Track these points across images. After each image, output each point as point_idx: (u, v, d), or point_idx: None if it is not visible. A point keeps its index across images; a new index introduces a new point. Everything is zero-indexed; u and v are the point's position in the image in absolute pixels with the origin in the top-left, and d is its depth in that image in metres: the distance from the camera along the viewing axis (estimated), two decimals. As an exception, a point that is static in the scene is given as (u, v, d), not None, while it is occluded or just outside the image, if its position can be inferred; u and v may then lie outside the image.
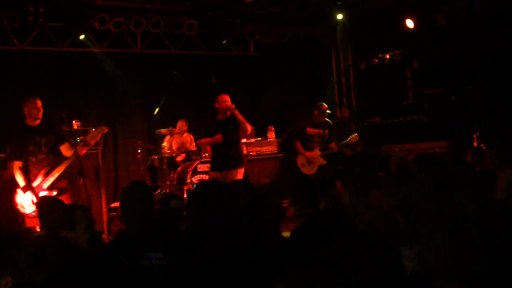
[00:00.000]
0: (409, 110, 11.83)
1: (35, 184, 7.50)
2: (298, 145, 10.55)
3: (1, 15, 10.04)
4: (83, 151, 7.79)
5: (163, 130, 10.54)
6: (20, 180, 7.46)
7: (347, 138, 10.60)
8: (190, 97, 12.08)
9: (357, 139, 10.62)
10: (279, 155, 11.74)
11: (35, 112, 7.55)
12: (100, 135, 7.97)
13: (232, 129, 8.97)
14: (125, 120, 11.75)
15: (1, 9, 9.98)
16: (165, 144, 10.75)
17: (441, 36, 11.48)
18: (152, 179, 10.68)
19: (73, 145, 7.73)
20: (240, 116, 8.89)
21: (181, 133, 11.16)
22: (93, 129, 8.05)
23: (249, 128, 9.14)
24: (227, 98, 9.02)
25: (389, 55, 12.51)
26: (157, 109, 10.45)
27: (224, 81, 10.84)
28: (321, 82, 13.75)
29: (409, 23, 11.86)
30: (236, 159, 8.98)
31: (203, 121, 10.03)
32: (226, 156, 8.89)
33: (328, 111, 10.65)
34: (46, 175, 7.56)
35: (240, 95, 11.92)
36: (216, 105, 9.07)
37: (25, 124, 7.62)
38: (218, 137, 8.94)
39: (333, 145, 10.47)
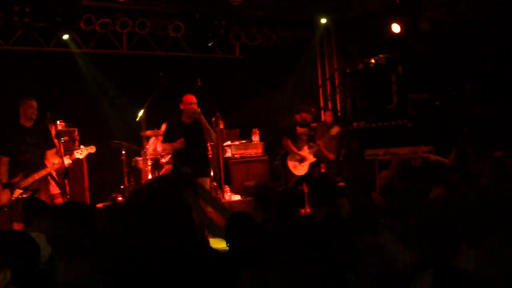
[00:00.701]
0: (394, 115, 11.88)
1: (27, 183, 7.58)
2: (289, 143, 10.60)
3: (-14, 14, 10.03)
4: (69, 163, 7.86)
5: (148, 132, 10.52)
6: (4, 177, 7.53)
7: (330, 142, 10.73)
8: (175, 99, 12.05)
9: (338, 130, 10.72)
10: (264, 157, 11.76)
11: (30, 111, 7.71)
12: (87, 153, 8.15)
13: (197, 134, 8.47)
14: (109, 121, 11.71)
15: (-14, 9, 9.96)
16: (149, 146, 10.73)
17: (426, 41, 11.55)
18: (136, 180, 10.65)
19: (60, 154, 7.75)
20: (205, 123, 8.44)
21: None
22: (82, 146, 8.24)
23: (214, 136, 8.75)
24: (193, 100, 8.48)
25: (374, 60, 12.56)
26: (142, 111, 10.42)
27: (209, 83, 10.84)
28: (307, 86, 13.80)
29: (395, 28, 11.91)
30: (201, 167, 8.46)
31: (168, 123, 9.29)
32: (190, 163, 8.07)
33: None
34: (26, 176, 7.59)
35: (225, 97, 11.97)
36: (181, 106, 8.57)
37: (19, 124, 7.76)
38: (180, 142, 8.35)
39: (319, 142, 10.57)
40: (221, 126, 10.80)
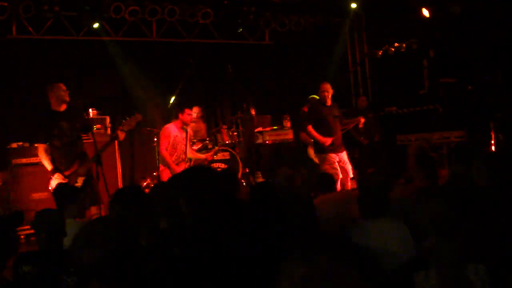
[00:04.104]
0: (425, 100, 11.76)
1: (71, 170, 7.43)
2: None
3: (16, 4, 10.08)
4: (123, 135, 7.69)
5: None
6: (47, 163, 7.41)
7: (364, 127, 10.54)
8: (205, 85, 12.06)
9: (359, 121, 10.35)
10: (295, 143, 11.69)
11: (63, 94, 7.51)
12: (134, 123, 7.80)
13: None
14: (140, 108, 11.71)
15: (17, -1, 10.04)
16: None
17: (457, 25, 11.40)
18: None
19: (93, 134, 7.64)
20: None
21: (196, 121, 11.14)
22: (128, 117, 7.79)
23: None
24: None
25: (405, 44, 12.47)
26: (172, 97, 10.41)
27: (239, 70, 10.81)
28: (337, 72, 13.69)
29: (425, 12, 11.77)
30: None
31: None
32: None
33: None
34: (81, 163, 7.47)
35: (256, 84, 11.94)
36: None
37: (51, 109, 7.59)
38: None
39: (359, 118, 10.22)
40: (253, 112, 10.77)
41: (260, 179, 10.80)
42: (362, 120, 10.11)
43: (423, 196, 3.46)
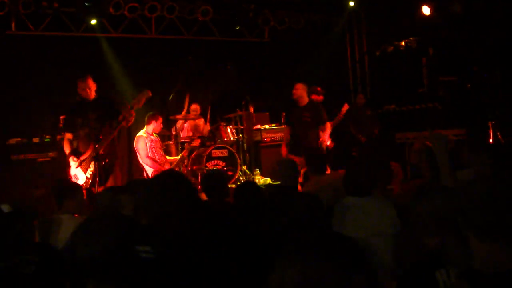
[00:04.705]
0: (424, 98, 11.76)
1: (86, 155, 7.86)
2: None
3: (16, 0, 10.07)
4: (132, 116, 7.99)
5: (178, 116, 10.54)
6: (66, 148, 7.96)
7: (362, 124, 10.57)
8: (204, 82, 12.06)
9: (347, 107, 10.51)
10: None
11: (94, 87, 8.06)
12: (144, 98, 8.11)
13: None
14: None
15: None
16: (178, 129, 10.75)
17: (457, 23, 11.39)
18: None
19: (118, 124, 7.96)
20: None
21: (194, 118, 11.14)
22: (136, 95, 8.21)
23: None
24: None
25: (405, 42, 12.43)
26: (171, 95, 10.41)
27: (238, 67, 10.80)
28: (336, 69, 13.68)
29: (425, 10, 11.75)
30: None
31: None
32: None
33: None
34: (95, 146, 7.77)
35: (254, 81, 11.93)
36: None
37: (77, 101, 8.12)
38: None
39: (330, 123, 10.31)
40: (251, 110, 10.77)
41: (259, 176, 10.79)
42: (346, 106, 10.36)
43: (426, 193, 3.45)
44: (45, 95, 10.47)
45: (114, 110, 8.10)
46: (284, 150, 9.52)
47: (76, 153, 7.91)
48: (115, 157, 8.28)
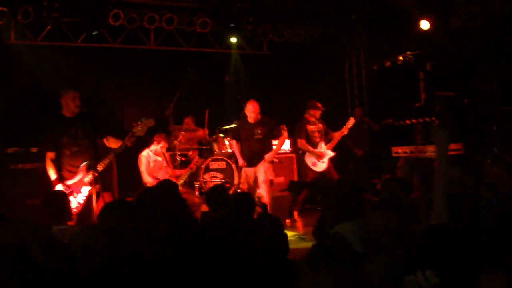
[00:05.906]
0: (421, 112, 11.78)
1: (76, 179, 7.24)
2: (304, 143, 10.45)
3: (15, 10, 10.09)
4: (133, 142, 7.42)
5: (176, 126, 10.53)
6: (52, 173, 7.19)
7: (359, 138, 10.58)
8: (203, 93, 12.09)
9: (354, 121, 10.59)
10: (292, 153, 11.68)
11: (72, 105, 7.27)
12: (146, 127, 7.52)
13: None
14: (137, 116, 11.69)
15: (16, 4, 10.03)
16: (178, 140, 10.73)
17: (456, 38, 11.42)
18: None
19: (118, 137, 7.48)
20: None
21: (189, 131, 11.10)
22: (139, 122, 7.52)
23: None
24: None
25: (402, 57, 12.46)
26: (171, 105, 10.41)
27: (236, 79, 10.82)
28: (334, 83, 13.72)
29: (424, 25, 11.77)
30: None
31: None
32: None
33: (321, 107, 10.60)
34: (88, 169, 7.25)
35: (253, 93, 11.94)
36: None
37: (61, 115, 7.35)
38: None
39: (336, 134, 10.44)
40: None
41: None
42: (352, 120, 10.53)
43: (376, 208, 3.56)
44: (44, 104, 10.46)
45: (101, 127, 7.64)
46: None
47: (62, 178, 7.21)
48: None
